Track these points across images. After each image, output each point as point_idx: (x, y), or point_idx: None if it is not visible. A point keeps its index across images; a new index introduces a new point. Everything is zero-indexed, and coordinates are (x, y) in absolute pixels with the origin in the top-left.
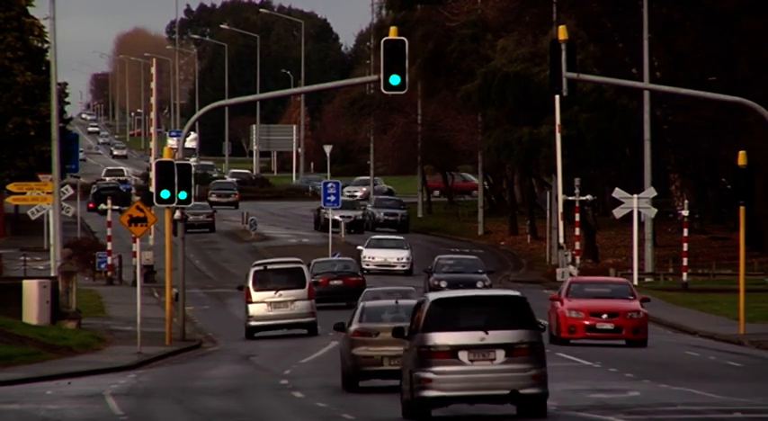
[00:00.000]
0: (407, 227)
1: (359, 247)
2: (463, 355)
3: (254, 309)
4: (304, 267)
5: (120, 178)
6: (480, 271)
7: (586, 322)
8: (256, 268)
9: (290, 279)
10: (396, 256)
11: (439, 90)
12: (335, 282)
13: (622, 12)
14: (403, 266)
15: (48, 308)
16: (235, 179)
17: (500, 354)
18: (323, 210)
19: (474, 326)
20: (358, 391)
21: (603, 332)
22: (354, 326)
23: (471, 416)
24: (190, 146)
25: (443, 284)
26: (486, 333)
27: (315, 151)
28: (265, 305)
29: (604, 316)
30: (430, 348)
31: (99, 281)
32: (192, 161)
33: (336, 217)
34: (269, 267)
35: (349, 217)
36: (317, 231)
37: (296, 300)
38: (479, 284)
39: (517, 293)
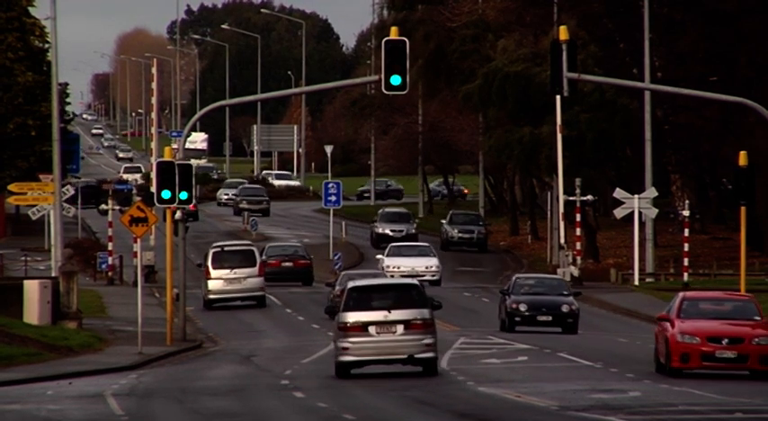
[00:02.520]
0: (486, 245)
1: (378, 256)
2: (372, 329)
3: (212, 285)
4: (255, 249)
5: (131, 176)
6: (566, 292)
7: (703, 349)
8: (215, 250)
9: (243, 259)
10: (423, 265)
11: (440, 90)
12: (287, 263)
13: (623, 12)
14: (432, 276)
15: (49, 308)
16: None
17: (400, 328)
18: (374, 225)
19: (380, 307)
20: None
21: (724, 361)
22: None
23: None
24: (200, 147)
25: (523, 308)
26: (389, 312)
27: (316, 151)
28: (222, 281)
29: (725, 341)
30: (347, 324)
31: (100, 281)
32: (202, 162)
33: (387, 231)
34: (225, 249)
35: (401, 231)
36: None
37: (248, 277)
38: (565, 309)
39: (414, 282)
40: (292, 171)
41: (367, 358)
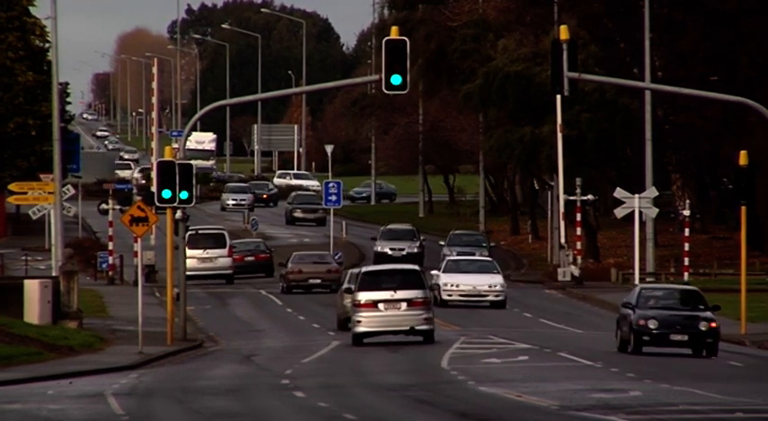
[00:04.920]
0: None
1: (433, 272)
2: (381, 306)
3: (186, 263)
4: (226, 233)
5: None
6: (702, 307)
7: None
8: (190, 232)
9: (215, 241)
10: (486, 283)
11: (440, 90)
12: (249, 258)
13: (624, 12)
14: (496, 296)
15: (49, 307)
16: (312, 191)
17: (403, 305)
18: (375, 241)
19: (388, 288)
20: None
21: None
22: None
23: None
24: (208, 148)
25: (653, 325)
26: (395, 292)
27: (316, 151)
28: (195, 260)
29: None
30: (360, 301)
31: (100, 280)
32: (210, 163)
33: (387, 250)
34: (199, 232)
35: (401, 250)
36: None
37: (218, 257)
38: (703, 326)
39: (416, 267)
40: (292, 170)
41: (376, 329)
